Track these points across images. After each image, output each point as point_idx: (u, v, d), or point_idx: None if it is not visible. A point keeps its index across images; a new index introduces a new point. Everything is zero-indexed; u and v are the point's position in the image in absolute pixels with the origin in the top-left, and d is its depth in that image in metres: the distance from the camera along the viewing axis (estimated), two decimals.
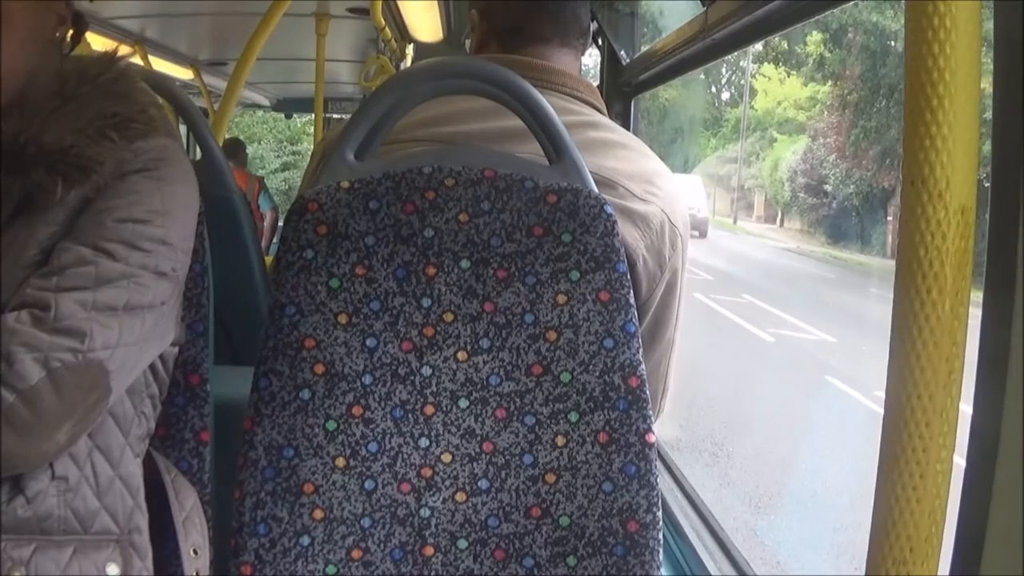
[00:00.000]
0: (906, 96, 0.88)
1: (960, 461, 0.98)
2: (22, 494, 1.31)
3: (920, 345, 0.90)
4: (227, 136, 7.32)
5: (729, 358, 12.25)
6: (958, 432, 0.94)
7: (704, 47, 2.36)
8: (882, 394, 0.95)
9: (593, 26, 1.86)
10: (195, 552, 1.52)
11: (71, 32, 1.49)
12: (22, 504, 1.31)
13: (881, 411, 0.95)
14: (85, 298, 1.29)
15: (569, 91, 1.70)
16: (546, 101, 1.47)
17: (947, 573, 1.03)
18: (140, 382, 1.45)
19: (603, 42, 3.15)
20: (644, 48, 3.05)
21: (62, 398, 1.26)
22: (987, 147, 0.98)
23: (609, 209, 1.43)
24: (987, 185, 1.00)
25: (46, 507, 1.33)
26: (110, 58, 1.48)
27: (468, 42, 1.87)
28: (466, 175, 1.44)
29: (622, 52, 3.11)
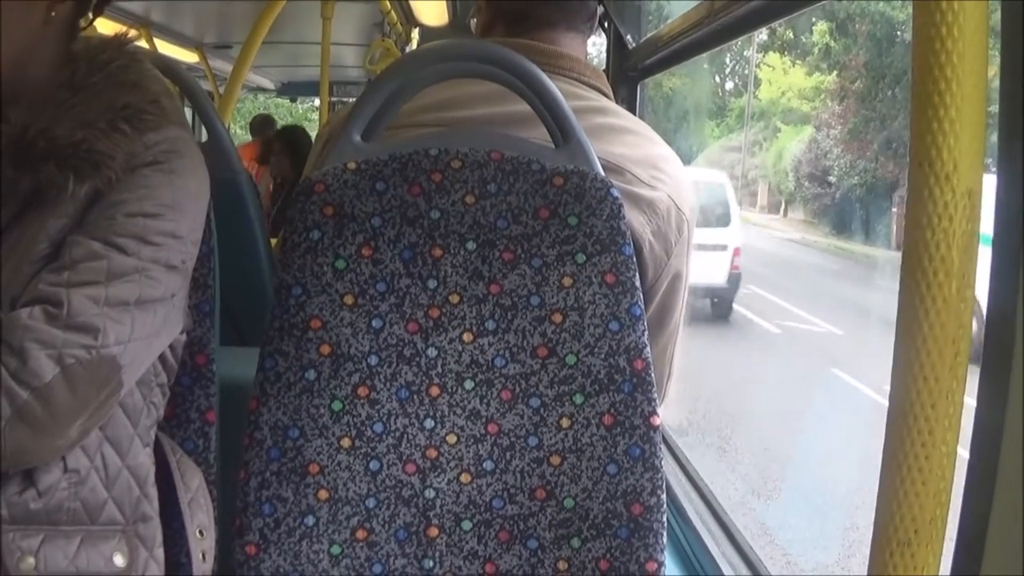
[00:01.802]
0: (914, 79, 0.89)
1: (963, 452, 0.99)
2: (34, 487, 1.31)
3: (926, 327, 0.90)
4: (233, 120, 7.32)
5: (735, 349, 12.22)
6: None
7: (710, 32, 2.35)
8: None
9: (599, 10, 1.85)
10: (201, 533, 1.52)
11: (78, 11, 1.47)
12: (34, 497, 1.31)
13: None
14: (97, 293, 1.29)
15: (576, 76, 1.70)
16: (553, 84, 1.47)
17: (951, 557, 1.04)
18: (149, 372, 1.45)
19: (609, 26, 3.15)
20: (650, 33, 3.05)
21: (75, 394, 1.26)
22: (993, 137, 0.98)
23: (615, 192, 1.44)
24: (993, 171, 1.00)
25: (57, 499, 1.33)
26: (120, 42, 1.46)
27: (473, 23, 1.87)
28: (472, 157, 1.44)
29: (628, 37, 3.11)
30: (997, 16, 0.97)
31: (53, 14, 1.41)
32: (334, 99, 9.82)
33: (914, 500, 0.93)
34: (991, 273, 1.00)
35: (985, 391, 1.01)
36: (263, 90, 12.73)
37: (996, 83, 0.96)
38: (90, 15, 1.47)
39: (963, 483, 1.02)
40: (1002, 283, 0.99)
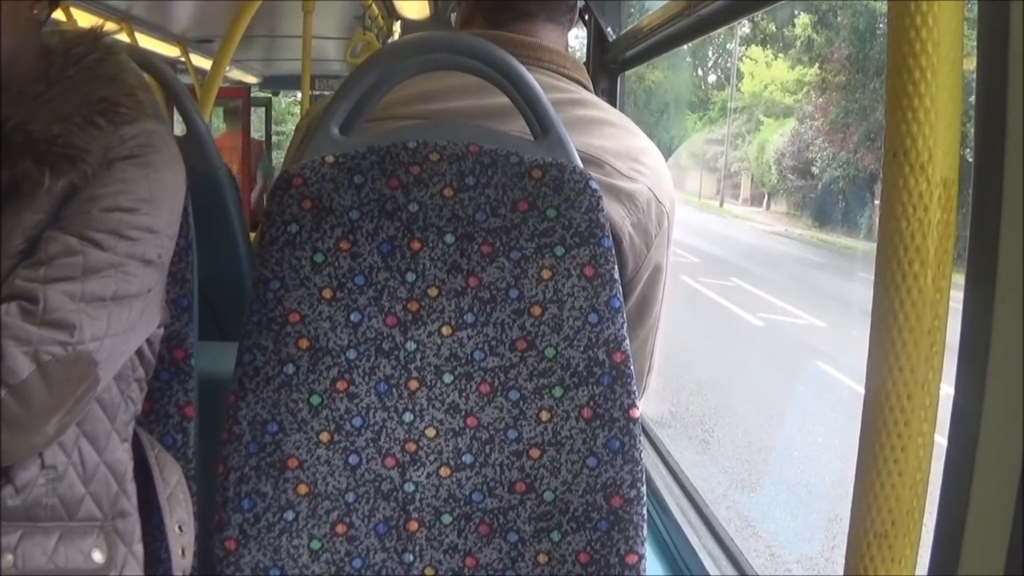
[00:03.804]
0: (889, 68, 0.88)
1: (941, 440, 0.99)
2: (11, 483, 1.31)
3: (902, 318, 0.90)
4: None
5: (718, 342, 12.25)
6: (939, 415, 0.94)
7: (690, 23, 2.35)
8: None
9: (579, 2, 1.85)
10: (180, 529, 1.52)
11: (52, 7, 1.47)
12: (11, 494, 1.31)
13: None
14: (73, 289, 1.28)
15: (555, 68, 1.70)
16: (532, 76, 1.47)
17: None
18: (127, 367, 1.45)
19: (589, 18, 3.14)
20: (630, 25, 3.04)
21: (52, 391, 1.26)
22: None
23: (594, 184, 1.43)
24: (971, 160, 1.00)
25: (35, 496, 1.33)
26: (95, 35, 1.46)
27: (454, 17, 1.86)
28: (451, 150, 1.43)
29: (608, 29, 3.10)
30: (973, 5, 0.97)
31: (35, 12, 1.41)
32: (316, 92, 9.80)
33: (890, 492, 0.93)
34: (968, 262, 1.00)
35: (963, 380, 1.01)
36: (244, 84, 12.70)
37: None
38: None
39: (940, 474, 1.03)
40: (979, 272, 0.99)
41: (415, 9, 6.47)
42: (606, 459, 1.45)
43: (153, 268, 1.38)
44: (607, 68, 3.18)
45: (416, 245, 1.44)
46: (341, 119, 1.48)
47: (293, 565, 1.45)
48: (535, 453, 1.45)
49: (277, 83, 12.39)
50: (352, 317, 1.44)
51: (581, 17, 1.91)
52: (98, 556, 1.38)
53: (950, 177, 0.88)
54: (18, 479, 1.31)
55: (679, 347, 10.40)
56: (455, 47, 1.49)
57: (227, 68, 5.79)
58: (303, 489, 1.45)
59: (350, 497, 1.45)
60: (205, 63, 8.20)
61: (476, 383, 1.45)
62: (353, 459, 1.45)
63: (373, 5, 6.46)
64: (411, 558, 1.46)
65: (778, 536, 6.83)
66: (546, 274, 1.43)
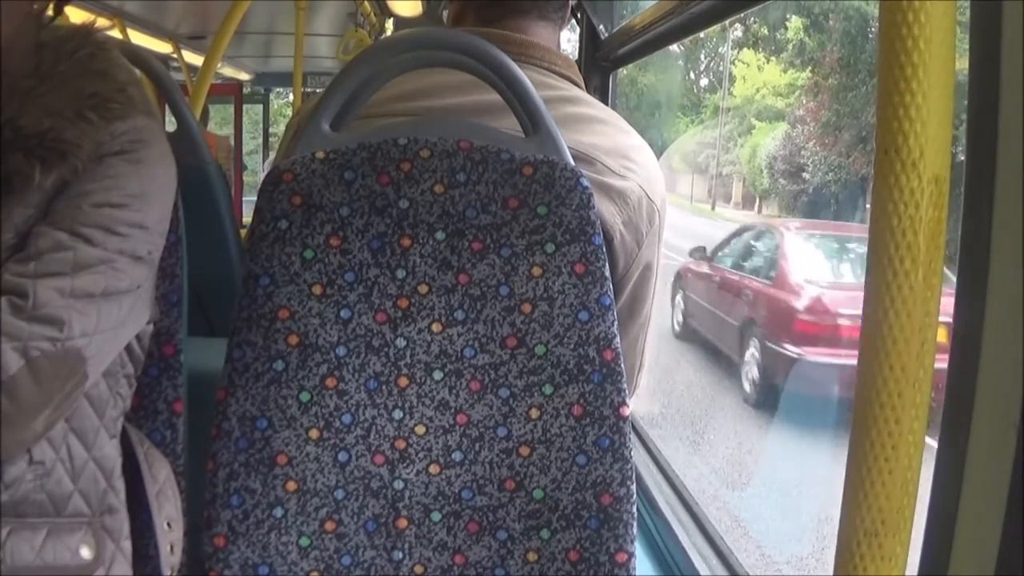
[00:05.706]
0: (880, 64, 0.88)
1: (932, 442, 0.99)
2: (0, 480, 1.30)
3: (893, 315, 0.90)
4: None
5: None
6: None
7: (682, 22, 2.36)
8: None
9: (572, 0, 1.84)
10: (169, 525, 1.51)
11: (52, 5, 1.46)
12: None
13: None
14: (63, 285, 1.28)
15: (547, 65, 1.69)
16: (523, 73, 1.46)
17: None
18: (116, 363, 1.44)
19: (582, 16, 3.15)
20: (623, 23, 3.05)
21: (40, 387, 1.25)
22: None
23: (585, 182, 1.43)
24: (962, 159, 1.00)
25: (23, 492, 1.32)
26: (87, 31, 1.45)
27: (446, 14, 1.86)
28: (441, 146, 1.43)
29: (601, 26, 3.11)
30: (966, 6, 0.97)
31: (34, 7, 1.40)
32: (308, 89, 9.78)
33: (881, 490, 0.92)
34: (960, 260, 1.00)
35: (954, 380, 1.01)
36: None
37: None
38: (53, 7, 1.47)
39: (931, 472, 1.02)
40: (971, 271, 0.99)
41: (407, 7, 6.46)
42: (596, 457, 1.45)
43: (143, 264, 1.38)
44: (599, 66, 3.18)
45: (406, 242, 1.43)
46: (332, 115, 1.48)
47: (282, 562, 1.45)
48: (525, 451, 1.45)
49: (269, 80, 12.39)
50: (342, 314, 1.43)
51: (574, 15, 1.90)
52: (86, 552, 1.38)
53: (941, 174, 0.88)
54: (6, 475, 1.31)
55: (671, 347, 10.40)
56: (446, 44, 1.49)
57: (219, 64, 5.77)
58: (292, 486, 1.44)
59: (339, 494, 1.45)
60: (197, 60, 8.20)
61: (466, 380, 1.44)
62: (342, 456, 1.44)
63: (366, 2, 6.46)
64: (400, 555, 1.46)
65: (768, 535, 6.83)
66: (537, 271, 1.43)
